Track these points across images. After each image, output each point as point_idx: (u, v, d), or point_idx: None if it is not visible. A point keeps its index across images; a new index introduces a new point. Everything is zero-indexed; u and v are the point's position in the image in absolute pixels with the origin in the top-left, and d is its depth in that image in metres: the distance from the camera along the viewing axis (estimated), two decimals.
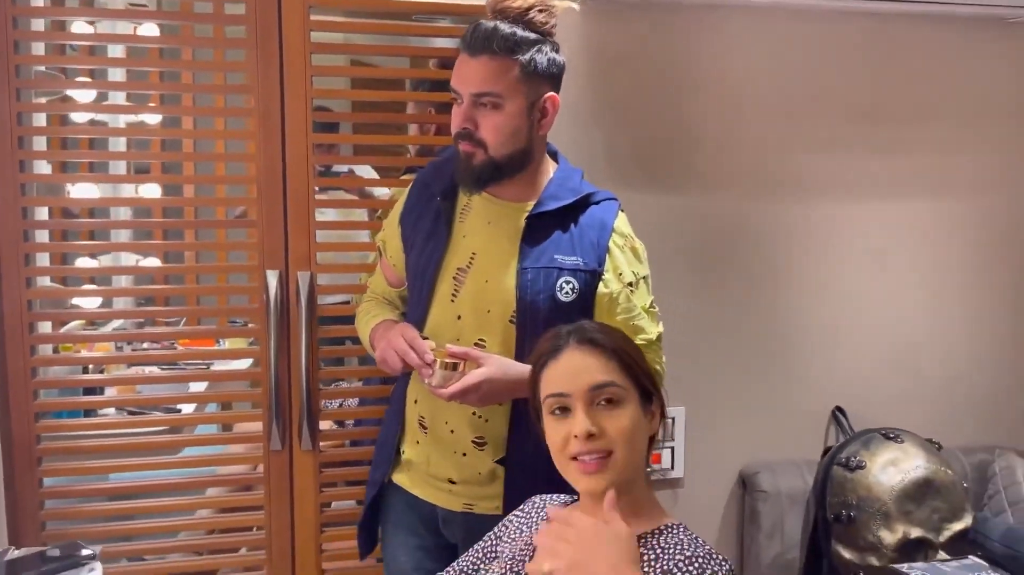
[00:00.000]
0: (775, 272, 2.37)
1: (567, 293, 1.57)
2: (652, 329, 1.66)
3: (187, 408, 2.65)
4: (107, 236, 3.19)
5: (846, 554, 2.05)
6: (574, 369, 1.19)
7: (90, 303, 2.59)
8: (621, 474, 1.16)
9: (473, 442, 1.61)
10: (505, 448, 1.61)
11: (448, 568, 1.37)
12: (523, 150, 1.58)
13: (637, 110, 2.25)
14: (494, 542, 1.36)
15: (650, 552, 1.14)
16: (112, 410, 2.59)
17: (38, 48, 2.11)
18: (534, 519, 1.35)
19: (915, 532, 1.99)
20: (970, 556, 1.93)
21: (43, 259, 2.17)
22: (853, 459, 2.10)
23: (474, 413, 1.59)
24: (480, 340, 1.58)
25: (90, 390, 2.47)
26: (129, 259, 3.40)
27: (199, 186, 2.83)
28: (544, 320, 1.53)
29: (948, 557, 1.94)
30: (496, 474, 1.63)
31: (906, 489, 2.02)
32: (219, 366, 2.74)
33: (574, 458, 1.17)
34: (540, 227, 1.59)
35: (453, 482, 1.64)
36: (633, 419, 1.17)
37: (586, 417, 1.15)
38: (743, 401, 2.36)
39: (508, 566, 1.26)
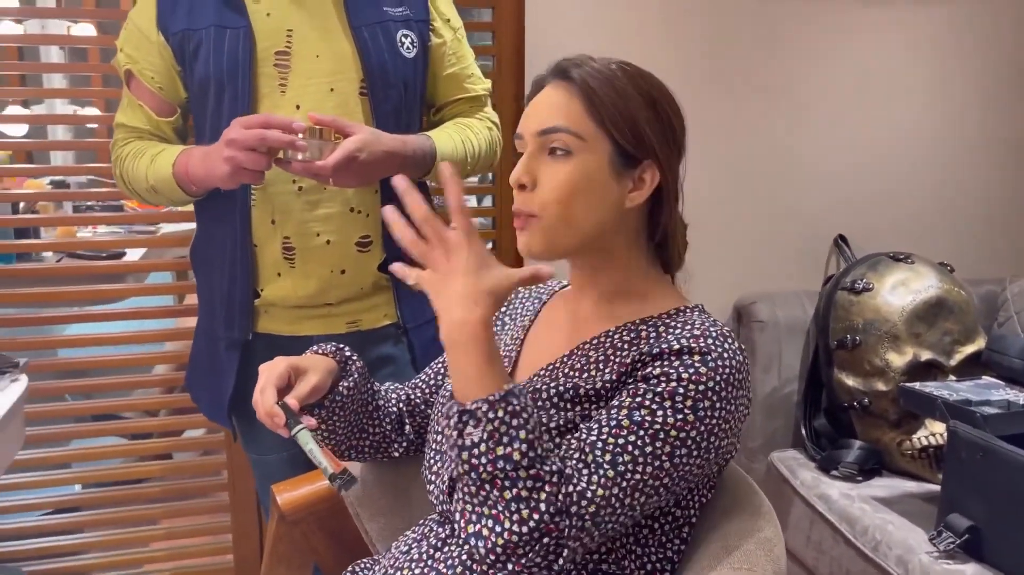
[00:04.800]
0: (775, 90, 2.16)
1: (408, 48, 1.41)
2: (484, 80, 1.57)
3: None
4: (39, 81, 2.93)
5: (849, 381, 1.91)
6: (536, 109, 0.98)
7: None
8: (550, 239, 0.95)
9: (358, 245, 1.40)
10: (383, 247, 1.42)
11: None
12: None
13: None
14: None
15: (651, 330, 0.95)
16: (50, 255, 2.38)
17: None
18: (528, 303, 1.16)
19: (925, 355, 1.85)
20: (984, 376, 1.80)
21: None
22: (859, 282, 1.94)
23: (352, 209, 1.38)
24: None
25: (22, 232, 2.25)
26: (66, 110, 3.13)
27: None
28: (396, 83, 1.39)
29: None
30: (380, 283, 1.45)
31: (917, 310, 1.87)
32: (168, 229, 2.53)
33: None
34: None
35: (330, 304, 1.42)
36: (577, 176, 0.93)
37: (522, 164, 0.96)
38: (738, 230, 2.18)
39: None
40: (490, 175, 2.09)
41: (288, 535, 1.26)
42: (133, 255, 2.42)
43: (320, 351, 1.10)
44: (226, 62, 1.31)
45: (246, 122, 1.22)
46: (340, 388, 1.08)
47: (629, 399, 0.86)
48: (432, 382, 1.20)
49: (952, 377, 1.84)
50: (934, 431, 1.83)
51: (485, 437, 0.78)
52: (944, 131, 2.28)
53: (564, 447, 0.85)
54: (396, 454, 1.19)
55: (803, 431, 2.02)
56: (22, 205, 2.39)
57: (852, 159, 2.23)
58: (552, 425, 0.91)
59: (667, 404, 0.85)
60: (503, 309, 1.19)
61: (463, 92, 1.53)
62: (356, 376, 1.10)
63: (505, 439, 0.79)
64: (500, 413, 0.79)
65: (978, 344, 1.88)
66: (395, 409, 1.18)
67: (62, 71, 2.99)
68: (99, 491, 2.12)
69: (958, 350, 1.87)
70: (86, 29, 2.89)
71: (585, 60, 0.97)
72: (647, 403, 0.85)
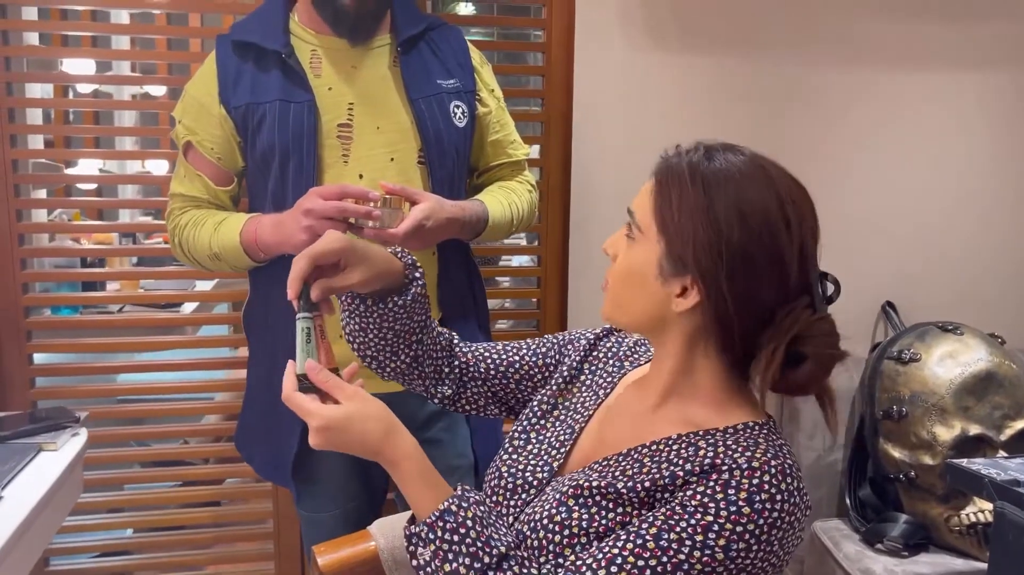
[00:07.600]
0: (823, 154, 2.17)
1: (459, 118, 1.48)
2: (524, 146, 1.63)
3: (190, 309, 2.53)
4: (111, 143, 3.06)
5: (895, 453, 1.88)
6: (643, 188, 0.98)
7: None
8: (612, 311, 0.98)
9: None
10: (439, 306, 1.48)
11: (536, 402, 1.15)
12: None
13: None
14: (557, 353, 1.17)
15: (709, 449, 0.89)
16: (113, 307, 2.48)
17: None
18: (611, 365, 1.12)
19: (974, 429, 1.81)
20: None
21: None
22: (907, 352, 1.92)
23: None
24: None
25: (89, 285, 2.35)
26: (135, 166, 3.26)
27: None
28: (450, 151, 1.46)
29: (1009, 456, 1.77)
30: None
31: (965, 383, 1.84)
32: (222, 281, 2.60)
33: None
34: (410, 56, 1.47)
35: None
36: (629, 263, 0.94)
37: (612, 236, 1.00)
38: None
39: (561, 411, 1.10)
40: (536, 236, 2.13)
41: None
42: (189, 306, 2.52)
43: (399, 255, 1.07)
44: (291, 134, 1.37)
45: (324, 192, 1.27)
46: (389, 303, 1.05)
47: (662, 519, 0.84)
48: (497, 363, 1.17)
49: (1002, 453, 1.80)
50: (983, 508, 1.79)
51: (431, 557, 0.84)
52: (997, 199, 2.25)
53: (582, 557, 0.86)
54: (427, 397, 1.19)
55: (848, 500, 1.99)
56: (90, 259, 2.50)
57: (902, 225, 2.22)
58: (592, 528, 0.89)
59: (698, 538, 0.82)
60: (587, 356, 1.14)
61: (506, 157, 1.60)
62: (410, 299, 1.06)
63: (450, 555, 0.84)
64: (439, 532, 0.84)
65: None
66: (442, 361, 1.16)
67: (131, 134, 3.13)
68: (149, 536, 2.18)
69: (1008, 425, 1.83)
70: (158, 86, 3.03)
71: (689, 154, 0.93)
72: (678, 530, 0.83)
